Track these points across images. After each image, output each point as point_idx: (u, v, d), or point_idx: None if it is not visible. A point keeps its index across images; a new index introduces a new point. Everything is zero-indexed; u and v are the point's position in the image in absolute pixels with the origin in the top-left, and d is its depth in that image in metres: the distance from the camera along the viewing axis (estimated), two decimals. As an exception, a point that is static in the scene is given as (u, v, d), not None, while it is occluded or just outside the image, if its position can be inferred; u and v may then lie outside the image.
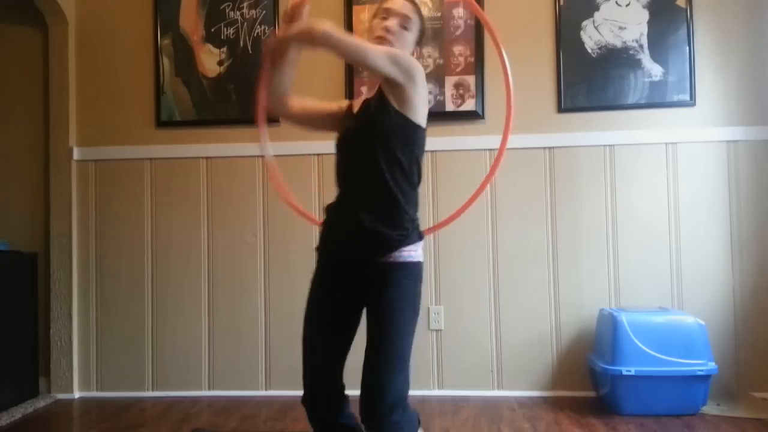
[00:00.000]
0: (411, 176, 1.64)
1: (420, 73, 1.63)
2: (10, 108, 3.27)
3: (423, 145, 1.68)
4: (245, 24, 3.17)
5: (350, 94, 3.10)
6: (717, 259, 2.95)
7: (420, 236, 1.67)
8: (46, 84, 3.23)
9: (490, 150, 3.03)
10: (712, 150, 2.98)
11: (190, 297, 3.15)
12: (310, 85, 3.15)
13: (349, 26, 3.11)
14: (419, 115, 1.64)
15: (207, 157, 3.18)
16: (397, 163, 1.61)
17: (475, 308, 3.02)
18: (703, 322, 2.68)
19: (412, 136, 1.64)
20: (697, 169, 2.99)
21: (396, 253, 1.60)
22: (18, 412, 2.85)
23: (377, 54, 1.58)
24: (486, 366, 3.02)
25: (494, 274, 3.01)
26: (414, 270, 1.64)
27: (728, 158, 2.97)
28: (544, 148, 3.01)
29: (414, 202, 1.67)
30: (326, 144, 3.17)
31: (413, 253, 1.63)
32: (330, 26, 1.62)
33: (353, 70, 3.11)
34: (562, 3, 3.06)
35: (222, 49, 3.18)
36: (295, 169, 3.13)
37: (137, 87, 3.22)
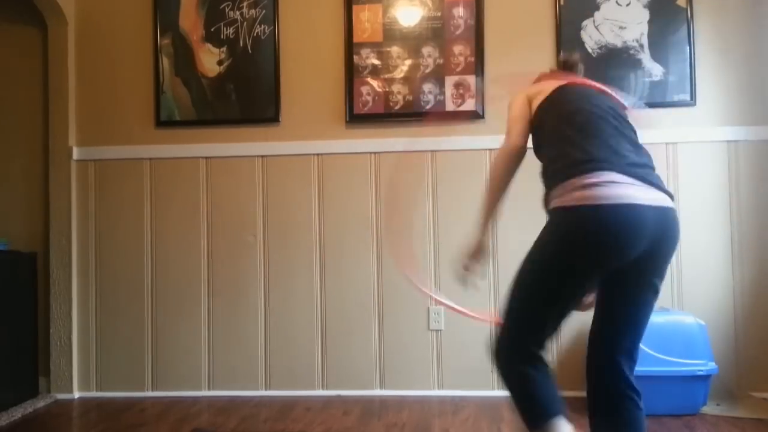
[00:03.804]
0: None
1: (511, 105, 1.77)
2: (10, 108, 3.26)
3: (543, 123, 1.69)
4: (245, 24, 3.17)
5: (350, 93, 3.10)
6: (717, 259, 2.95)
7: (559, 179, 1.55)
8: (46, 84, 3.23)
9: (490, 150, 3.03)
10: (712, 150, 2.98)
11: (190, 297, 3.15)
12: (311, 84, 3.15)
13: (349, 26, 3.11)
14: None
15: (207, 157, 3.18)
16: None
17: (475, 308, 3.02)
18: (703, 322, 2.68)
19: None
20: (697, 169, 2.98)
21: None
22: (18, 412, 2.85)
23: (504, 146, 1.73)
24: (486, 366, 3.01)
25: (494, 274, 3.01)
26: (551, 216, 1.55)
27: (728, 158, 2.97)
28: (544, 148, 3.01)
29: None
30: (326, 144, 3.19)
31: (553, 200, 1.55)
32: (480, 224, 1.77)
33: (353, 69, 3.11)
34: (562, 3, 3.06)
35: (222, 49, 3.18)
36: (295, 169, 3.13)
37: (137, 87, 3.22)
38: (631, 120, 1.64)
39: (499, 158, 1.71)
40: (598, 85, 1.73)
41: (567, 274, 1.48)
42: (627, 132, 1.58)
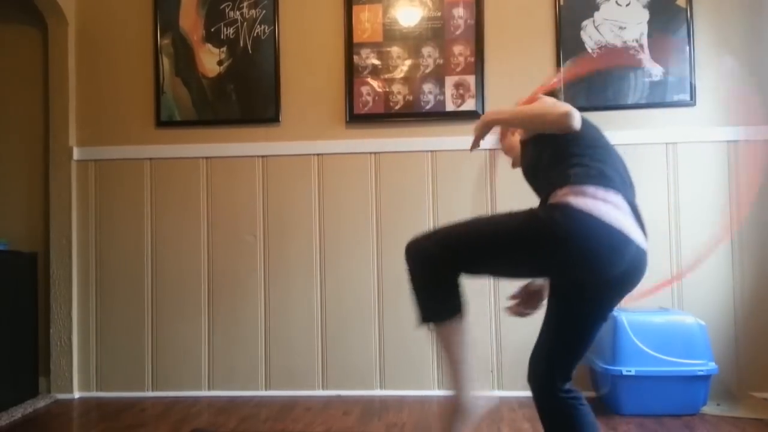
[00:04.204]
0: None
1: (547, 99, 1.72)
2: (10, 108, 3.27)
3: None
4: (245, 24, 3.17)
5: (350, 93, 3.10)
6: (717, 259, 2.95)
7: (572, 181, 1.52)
8: (46, 84, 3.23)
9: (490, 150, 3.02)
10: (711, 150, 2.98)
11: (190, 297, 3.15)
12: (311, 84, 3.16)
13: (349, 26, 3.11)
14: None
15: (207, 157, 3.18)
16: None
17: (475, 308, 3.01)
18: (703, 322, 2.68)
19: None
20: (697, 169, 2.98)
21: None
22: (18, 412, 2.85)
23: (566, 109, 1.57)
24: (486, 366, 3.02)
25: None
26: (556, 206, 1.50)
27: (728, 158, 2.97)
28: (544, 148, 3.01)
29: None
30: (326, 144, 3.20)
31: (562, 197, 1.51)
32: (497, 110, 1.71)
33: (353, 69, 3.11)
34: (562, 3, 3.06)
35: (222, 49, 3.18)
36: (295, 169, 3.13)
37: (137, 87, 3.22)
38: None
39: (554, 111, 1.58)
40: None
41: (535, 254, 1.49)
42: (625, 165, 1.65)
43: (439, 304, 1.54)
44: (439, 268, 1.52)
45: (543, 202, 1.58)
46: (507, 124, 1.74)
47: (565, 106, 1.57)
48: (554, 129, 1.59)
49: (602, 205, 1.45)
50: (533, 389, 1.62)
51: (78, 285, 3.19)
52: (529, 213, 1.52)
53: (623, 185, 1.54)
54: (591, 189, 1.47)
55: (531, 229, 1.48)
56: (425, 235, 1.55)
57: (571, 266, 1.48)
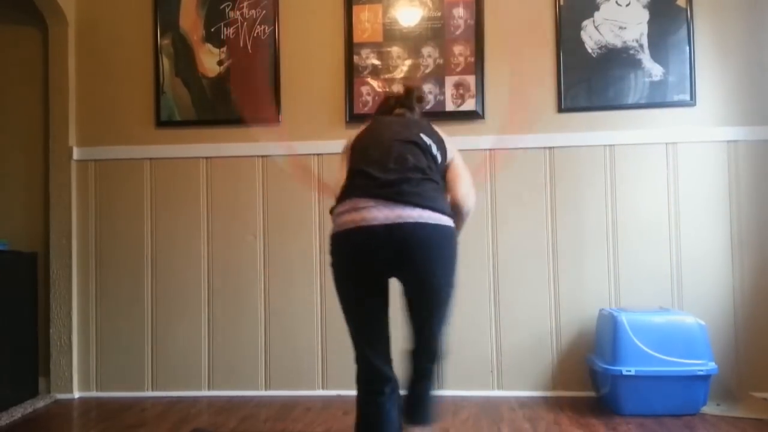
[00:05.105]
0: None
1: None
2: (10, 108, 3.26)
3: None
4: (245, 24, 3.17)
5: (350, 93, 3.10)
6: (717, 259, 2.95)
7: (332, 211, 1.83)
8: (46, 84, 3.23)
9: (490, 150, 3.03)
10: (712, 150, 2.98)
11: (190, 297, 3.15)
12: (311, 84, 3.16)
13: (349, 26, 3.11)
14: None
15: (207, 157, 3.18)
16: None
17: (475, 308, 3.02)
18: (703, 322, 2.68)
19: None
20: (697, 169, 2.99)
21: None
22: (17, 412, 2.85)
23: None
24: (486, 366, 3.02)
25: (494, 274, 3.01)
26: None
27: (728, 158, 2.97)
28: (545, 148, 3.01)
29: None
30: (326, 144, 3.19)
31: None
32: None
33: (353, 69, 3.11)
34: (562, 3, 3.06)
35: (222, 49, 3.18)
36: (295, 169, 3.13)
37: (137, 87, 3.22)
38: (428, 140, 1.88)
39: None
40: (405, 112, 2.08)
41: (344, 282, 1.79)
42: (402, 152, 1.78)
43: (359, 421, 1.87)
44: (376, 382, 1.94)
45: None
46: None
47: None
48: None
49: (338, 218, 1.72)
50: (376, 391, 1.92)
51: (78, 285, 3.19)
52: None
53: (367, 180, 1.71)
54: (335, 211, 1.76)
55: (334, 272, 1.80)
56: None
57: (351, 271, 1.73)
